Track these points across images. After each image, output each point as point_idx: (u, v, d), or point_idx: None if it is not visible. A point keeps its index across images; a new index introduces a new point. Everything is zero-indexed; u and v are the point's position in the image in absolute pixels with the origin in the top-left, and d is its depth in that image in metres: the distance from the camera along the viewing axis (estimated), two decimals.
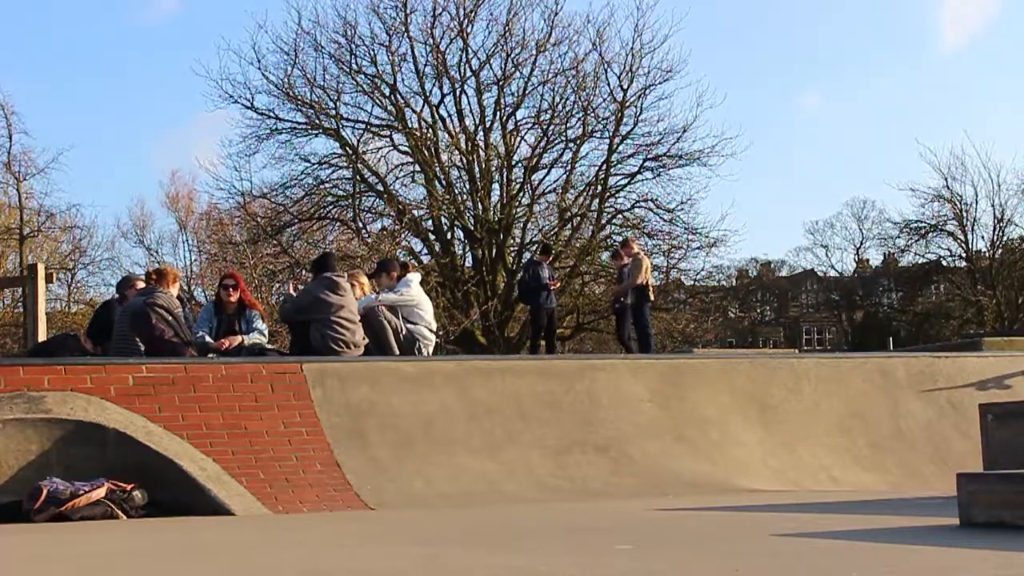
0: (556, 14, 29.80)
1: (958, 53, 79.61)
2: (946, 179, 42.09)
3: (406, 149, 30.05)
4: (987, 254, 43.83)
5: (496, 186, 30.09)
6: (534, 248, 28.08)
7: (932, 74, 79.65)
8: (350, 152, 29.85)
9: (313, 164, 29.78)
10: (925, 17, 78.48)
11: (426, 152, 29.54)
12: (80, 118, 65.31)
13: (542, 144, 30.22)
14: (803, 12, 77.95)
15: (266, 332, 9.87)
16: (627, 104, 29.69)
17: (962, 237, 43.65)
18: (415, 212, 29.83)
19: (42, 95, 61.69)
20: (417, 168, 30.05)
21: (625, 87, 29.69)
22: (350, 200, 29.98)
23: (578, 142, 30.20)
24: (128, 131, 70.21)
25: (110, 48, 69.57)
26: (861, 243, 54.31)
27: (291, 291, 10.37)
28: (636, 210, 30.77)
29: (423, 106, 29.99)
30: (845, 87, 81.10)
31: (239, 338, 9.43)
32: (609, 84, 29.88)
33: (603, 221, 30.62)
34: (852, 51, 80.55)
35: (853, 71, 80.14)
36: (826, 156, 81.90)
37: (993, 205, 42.72)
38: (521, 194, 30.33)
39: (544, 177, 30.70)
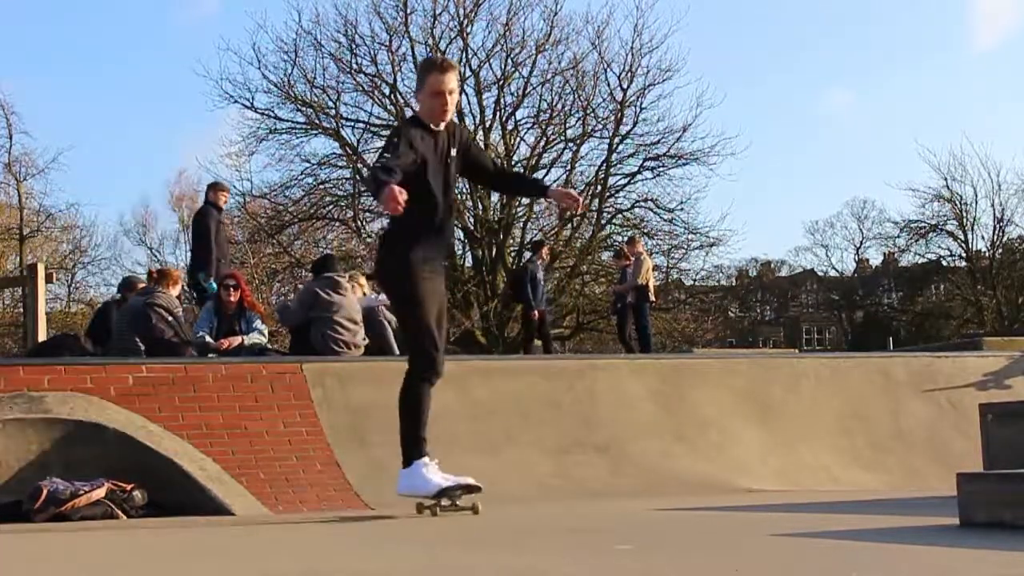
0: (556, 14, 29.90)
1: (964, 56, 79.63)
2: (946, 179, 42.16)
3: None
4: (987, 254, 43.85)
5: None
6: (528, 246, 27.99)
7: (935, 75, 79.70)
8: (350, 152, 29.87)
9: (313, 164, 29.86)
10: (927, 19, 78.49)
11: None
12: (84, 119, 65.29)
13: (542, 144, 30.28)
14: (805, 12, 77.97)
15: (266, 332, 9.89)
16: (627, 104, 29.74)
17: (962, 237, 43.70)
18: None
19: (46, 94, 61.67)
20: None
21: (625, 87, 29.76)
22: (350, 200, 30.00)
23: (578, 142, 30.25)
24: (136, 131, 70.24)
25: (113, 48, 69.55)
26: (861, 243, 54.39)
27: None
28: (636, 210, 30.84)
29: None
30: (846, 88, 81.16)
31: (239, 338, 9.45)
32: (609, 84, 29.95)
33: (603, 221, 30.65)
34: (853, 52, 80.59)
35: (854, 72, 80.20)
36: (826, 156, 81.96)
37: (993, 205, 42.82)
38: None
39: (544, 177, 30.71)
